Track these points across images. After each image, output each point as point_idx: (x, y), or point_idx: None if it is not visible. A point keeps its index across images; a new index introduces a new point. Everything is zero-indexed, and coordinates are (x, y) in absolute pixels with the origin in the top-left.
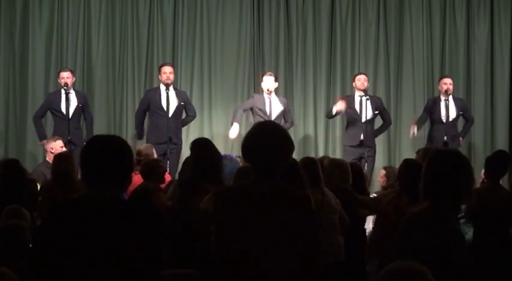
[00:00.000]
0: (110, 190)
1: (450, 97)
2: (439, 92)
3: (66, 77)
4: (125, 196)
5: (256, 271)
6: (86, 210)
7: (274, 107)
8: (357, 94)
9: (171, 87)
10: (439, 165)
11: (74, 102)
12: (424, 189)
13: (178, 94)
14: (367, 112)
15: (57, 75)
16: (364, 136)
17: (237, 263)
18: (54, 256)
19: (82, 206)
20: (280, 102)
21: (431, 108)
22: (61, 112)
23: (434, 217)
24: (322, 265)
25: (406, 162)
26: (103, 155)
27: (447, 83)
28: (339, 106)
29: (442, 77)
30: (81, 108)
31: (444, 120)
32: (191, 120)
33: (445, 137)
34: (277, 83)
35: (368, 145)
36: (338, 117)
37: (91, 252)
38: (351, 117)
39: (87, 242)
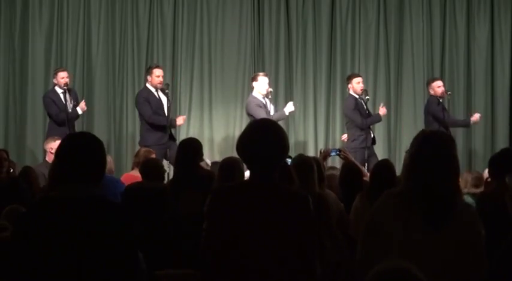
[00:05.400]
0: (85, 187)
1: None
2: (429, 94)
3: (66, 76)
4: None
5: (250, 269)
6: (62, 208)
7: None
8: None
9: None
10: None
11: (69, 102)
12: None
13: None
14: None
15: (54, 75)
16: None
17: (230, 261)
18: (30, 253)
19: (58, 204)
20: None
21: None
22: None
23: None
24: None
25: (376, 164)
26: (76, 154)
27: (440, 85)
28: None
29: (432, 80)
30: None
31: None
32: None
33: None
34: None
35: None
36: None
37: (68, 250)
38: None
39: (65, 240)
